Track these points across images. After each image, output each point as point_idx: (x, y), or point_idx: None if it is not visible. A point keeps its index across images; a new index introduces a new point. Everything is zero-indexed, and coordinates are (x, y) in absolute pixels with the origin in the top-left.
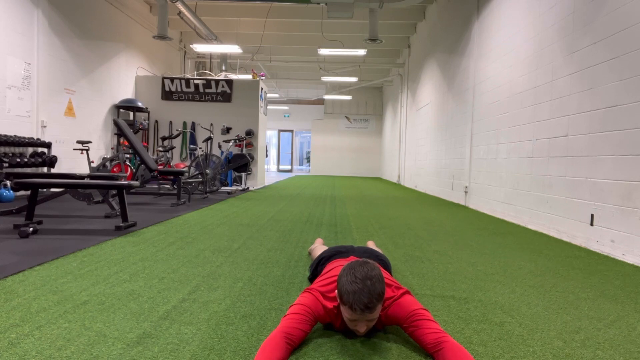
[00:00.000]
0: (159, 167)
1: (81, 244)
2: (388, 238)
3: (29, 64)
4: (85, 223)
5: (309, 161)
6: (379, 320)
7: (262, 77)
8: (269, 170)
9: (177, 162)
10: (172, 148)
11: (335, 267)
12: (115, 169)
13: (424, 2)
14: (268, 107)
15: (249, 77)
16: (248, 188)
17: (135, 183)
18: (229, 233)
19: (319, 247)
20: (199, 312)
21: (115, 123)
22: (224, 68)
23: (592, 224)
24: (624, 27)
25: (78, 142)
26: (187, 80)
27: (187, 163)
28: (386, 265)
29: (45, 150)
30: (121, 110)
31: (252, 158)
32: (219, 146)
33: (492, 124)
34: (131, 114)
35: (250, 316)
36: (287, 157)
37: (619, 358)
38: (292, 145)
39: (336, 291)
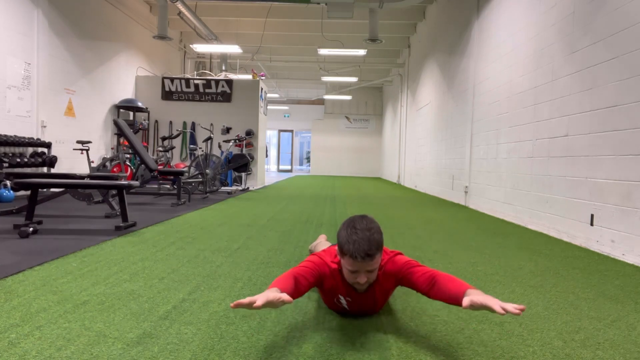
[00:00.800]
0: (159, 167)
1: (81, 244)
2: (388, 238)
3: (29, 64)
4: (85, 223)
5: (309, 161)
6: (379, 281)
7: (262, 77)
8: (269, 170)
9: (177, 162)
10: (172, 148)
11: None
12: (115, 169)
13: (424, 2)
14: (268, 107)
15: (249, 77)
16: (248, 188)
17: (135, 183)
18: (229, 233)
19: (322, 243)
20: (199, 312)
21: (115, 123)
22: (224, 68)
23: (592, 224)
24: (624, 27)
25: (78, 142)
26: (187, 80)
27: (187, 163)
28: None
29: (45, 150)
30: (121, 110)
31: (252, 158)
32: (219, 146)
33: (492, 124)
34: (131, 114)
35: (250, 316)
36: (287, 157)
37: (619, 358)
38: (292, 145)
39: (336, 247)
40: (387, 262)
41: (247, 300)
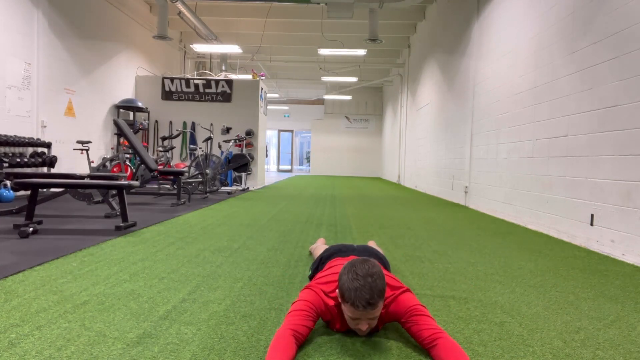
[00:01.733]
0: (159, 167)
1: (81, 244)
2: (388, 238)
3: (29, 64)
4: (85, 223)
5: (309, 161)
6: (380, 317)
7: (262, 77)
8: (268, 170)
9: (177, 162)
10: (172, 148)
11: (335, 266)
12: (115, 169)
13: (424, 2)
14: (268, 107)
15: (249, 77)
16: (248, 188)
17: (135, 183)
18: (229, 233)
19: (320, 247)
20: (199, 312)
21: (115, 123)
22: (224, 68)
23: (592, 224)
24: (624, 27)
25: (78, 142)
26: (187, 80)
27: (187, 163)
28: (385, 264)
29: (45, 150)
30: (121, 110)
31: (252, 158)
32: (219, 146)
33: (492, 124)
34: (131, 114)
35: (250, 316)
36: (287, 157)
37: (619, 358)
38: (292, 145)
39: (337, 290)
40: (392, 301)
41: None
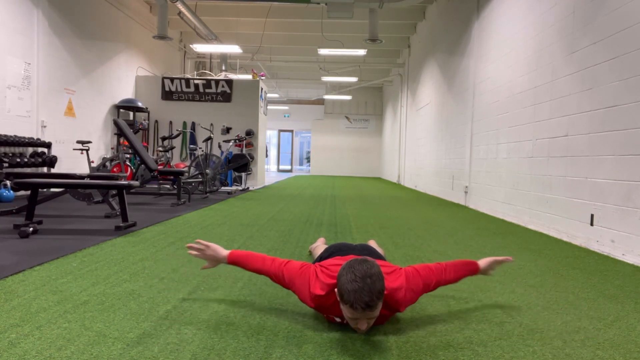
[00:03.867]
0: (159, 167)
1: (81, 244)
2: (388, 238)
3: (29, 64)
4: (85, 223)
5: (309, 161)
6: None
7: (262, 77)
8: (268, 170)
9: (177, 162)
10: (172, 148)
11: (337, 264)
12: (115, 169)
13: (424, 2)
14: (268, 107)
15: (249, 77)
16: (248, 188)
17: (135, 183)
18: (229, 233)
19: (320, 246)
20: (199, 312)
21: (115, 123)
22: (224, 68)
23: (592, 224)
24: (624, 27)
25: (78, 142)
26: (187, 80)
27: (187, 163)
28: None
29: (45, 150)
30: (121, 110)
31: (252, 158)
32: (219, 146)
33: (492, 124)
34: (131, 114)
35: (250, 316)
36: (287, 157)
37: (619, 358)
38: (292, 145)
39: (336, 290)
40: (387, 296)
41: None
